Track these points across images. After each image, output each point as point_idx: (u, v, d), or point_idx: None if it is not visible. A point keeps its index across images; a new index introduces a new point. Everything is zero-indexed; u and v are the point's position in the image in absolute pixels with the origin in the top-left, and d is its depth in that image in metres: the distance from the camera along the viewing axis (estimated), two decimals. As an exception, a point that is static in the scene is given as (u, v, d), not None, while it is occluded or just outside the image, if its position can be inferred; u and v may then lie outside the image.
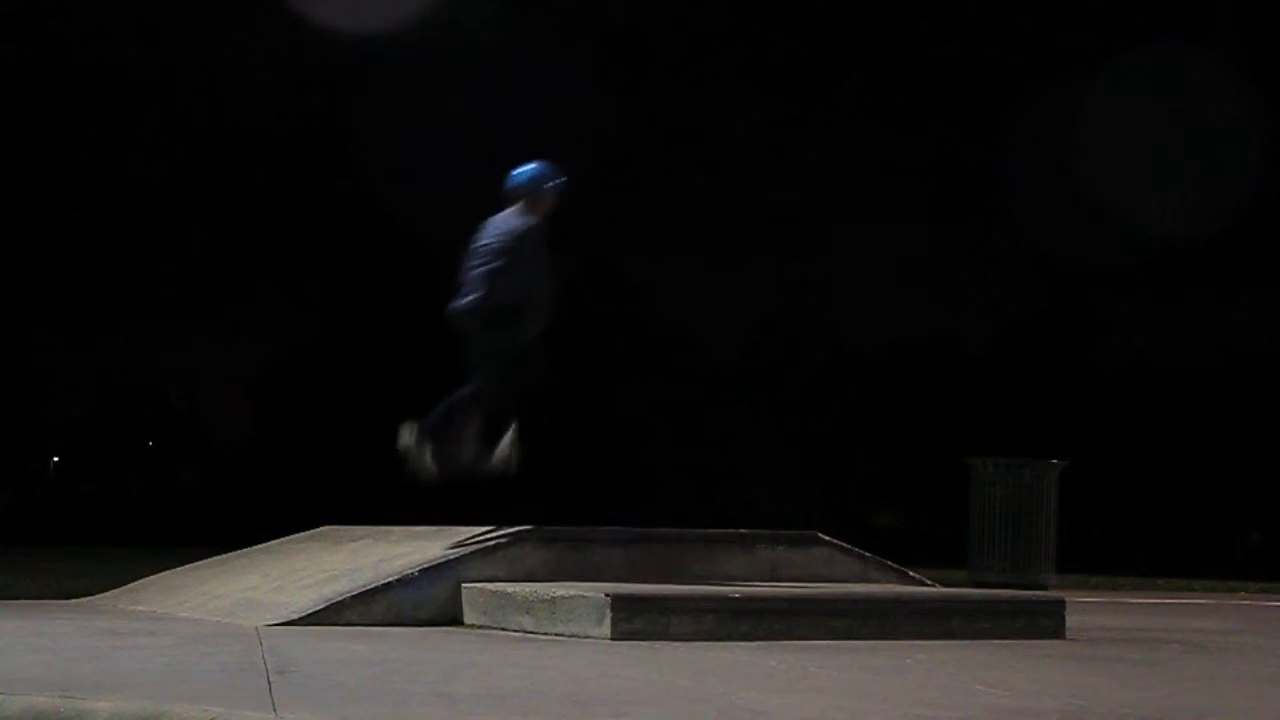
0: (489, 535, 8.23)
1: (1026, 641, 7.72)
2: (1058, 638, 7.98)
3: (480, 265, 8.30)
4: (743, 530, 9.14)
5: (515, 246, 8.29)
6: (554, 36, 47.00)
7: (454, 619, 7.72)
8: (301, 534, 10.21)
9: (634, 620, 6.99)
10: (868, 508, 49.78)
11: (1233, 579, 21.35)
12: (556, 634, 7.10)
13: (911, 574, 9.48)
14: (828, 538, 9.26)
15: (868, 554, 9.36)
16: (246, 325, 50.73)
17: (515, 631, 7.32)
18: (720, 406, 47.20)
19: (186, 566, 10.07)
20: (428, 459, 8.21)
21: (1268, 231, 48.20)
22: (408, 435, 8.24)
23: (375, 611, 7.51)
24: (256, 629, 7.06)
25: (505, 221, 8.41)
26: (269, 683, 4.95)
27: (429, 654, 6.12)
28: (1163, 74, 44.76)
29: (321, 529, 10.30)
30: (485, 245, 8.35)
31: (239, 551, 10.09)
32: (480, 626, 7.57)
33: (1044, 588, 14.95)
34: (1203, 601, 14.27)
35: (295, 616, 7.36)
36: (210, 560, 10.11)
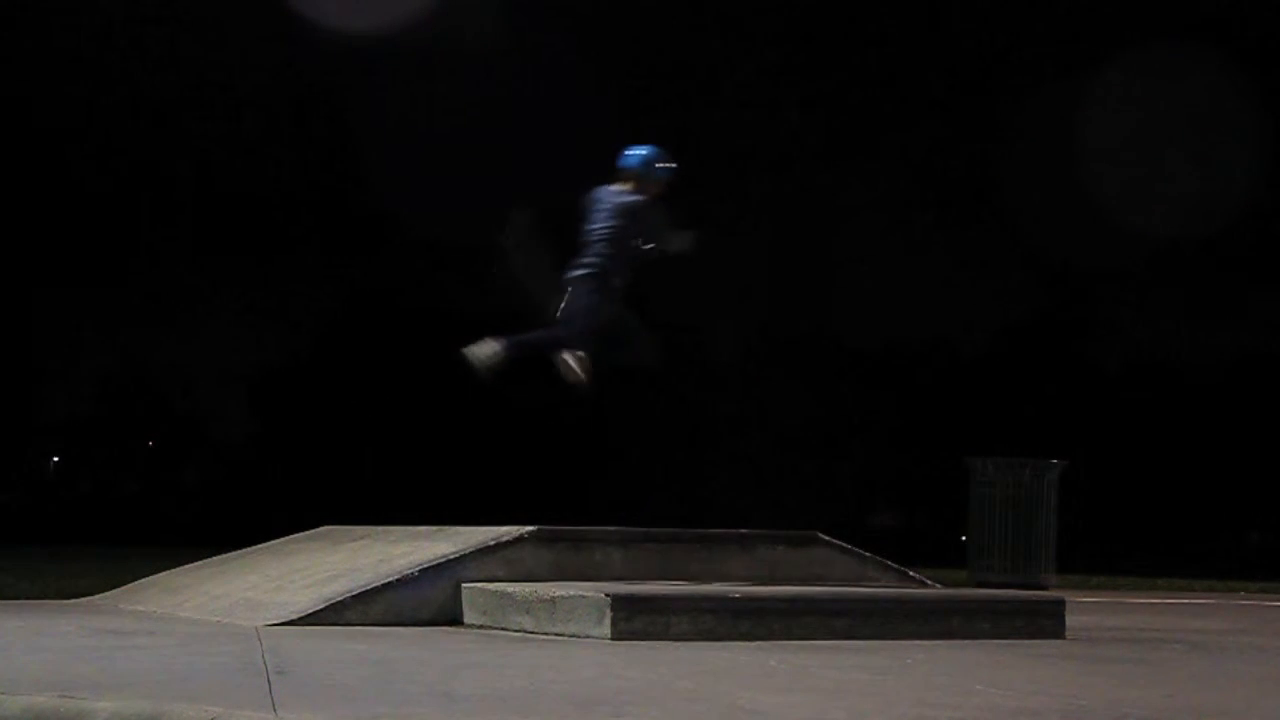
0: (490, 535, 8.24)
1: (1026, 641, 7.72)
2: (1058, 638, 7.98)
3: (595, 242, 8.89)
4: (742, 530, 9.14)
5: (626, 225, 8.87)
6: (553, 36, 47.02)
7: (454, 619, 7.72)
8: (301, 534, 10.21)
9: (634, 620, 6.99)
10: (868, 508, 49.78)
11: (1233, 579, 21.34)
12: (556, 634, 7.11)
13: (911, 574, 9.49)
14: (827, 538, 9.26)
15: (867, 554, 9.36)
16: (246, 325, 50.74)
17: (515, 631, 7.32)
18: (719, 406, 47.20)
19: (186, 566, 10.07)
20: (491, 369, 8.88)
21: (1268, 231, 48.20)
22: (487, 349, 8.86)
23: (375, 611, 7.52)
24: (256, 629, 7.06)
25: (616, 197, 8.96)
26: (269, 683, 4.95)
27: (429, 654, 6.13)
28: (1163, 74, 44.76)
29: (321, 529, 10.30)
30: (599, 224, 8.90)
31: (239, 551, 10.09)
32: (480, 626, 7.58)
33: (1044, 588, 14.95)
34: (1203, 601, 14.27)
35: (295, 616, 7.36)
36: (210, 560, 10.11)
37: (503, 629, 7.43)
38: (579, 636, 6.99)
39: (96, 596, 9.61)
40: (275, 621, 7.28)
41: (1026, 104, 47.41)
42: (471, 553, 7.98)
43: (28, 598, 9.65)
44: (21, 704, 4.38)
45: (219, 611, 7.90)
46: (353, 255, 50.46)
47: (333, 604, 7.47)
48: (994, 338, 52.33)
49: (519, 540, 8.14)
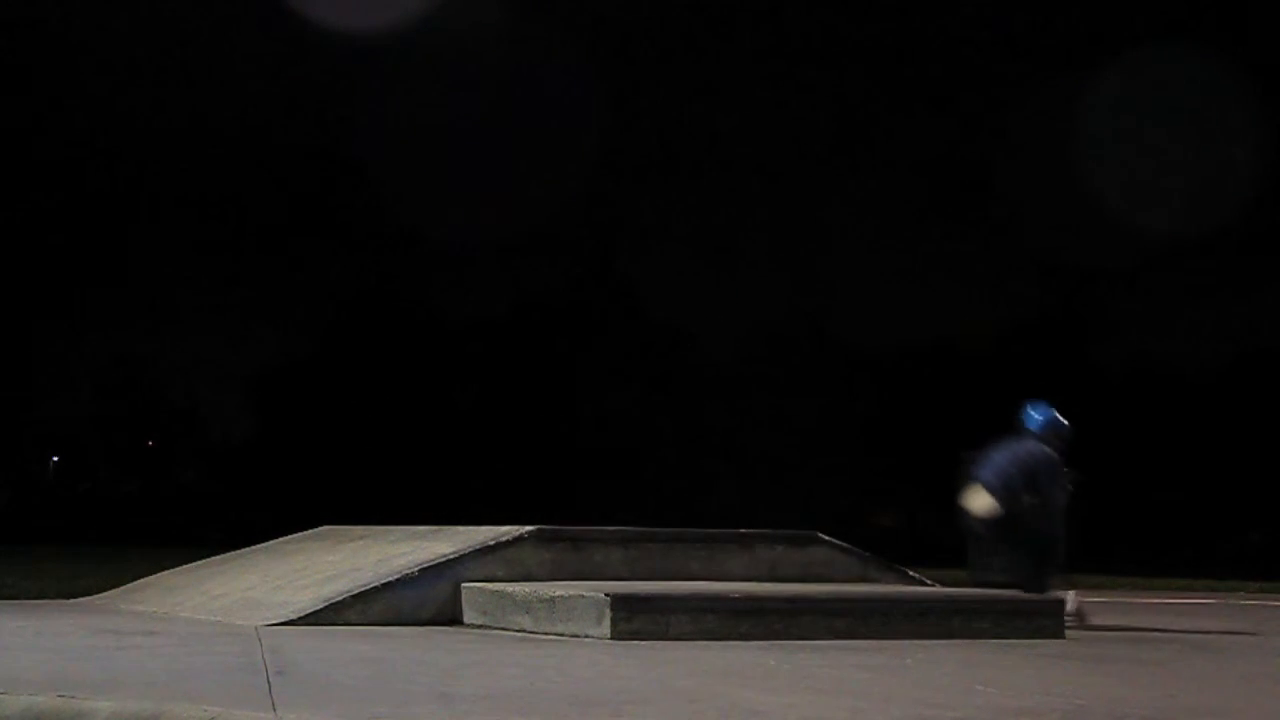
0: (489, 535, 8.24)
1: (1026, 641, 7.72)
2: (1058, 638, 7.98)
3: (1003, 481, 9.84)
4: (742, 530, 9.14)
5: (1032, 471, 9.84)
6: (556, 36, 46.98)
7: (454, 618, 7.72)
8: (301, 534, 10.22)
9: (634, 620, 6.99)
10: (868, 508, 49.72)
11: (1233, 579, 21.33)
12: (556, 634, 7.10)
13: (911, 574, 9.50)
14: (827, 537, 9.26)
15: (867, 554, 9.37)
16: (247, 325, 50.72)
17: (515, 631, 7.32)
18: (720, 406, 47.18)
19: (186, 566, 10.07)
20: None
21: (1268, 230, 48.21)
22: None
23: (375, 611, 7.51)
24: (256, 629, 7.06)
25: (1030, 445, 10.05)
26: (269, 682, 4.95)
27: (429, 654, 6.12)
28: (1163, 74, 44.76)
29: (321, 529, 10.30)
30: (1007, 465, 9.90)
31: (239, 551, 10.09)
32: (480, 626, 7.57)
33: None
34: (1203, 601, 14.27)
35: (295, 616, 7.36)
36: (210, 560, 10.11)
37: (502, 629, 7.43)
38: (579, 636, 6.99)
39: (96, 596, 9.61)
40: (275, 621, 7.28)
41: (1026, 103, 47.44)
42: (471, 552, 7.98)
43: (28, 598, 9.65)
44: (21, 704, 4.38)
45: (218, 611, 7.90)
46: (353, 255, 50.46)
47: (333, 604, 7.47)
48: (994, 338, 52.31)
49: (519, 540, 8.14)
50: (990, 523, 9.92)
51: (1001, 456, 10.03)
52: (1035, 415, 10.38)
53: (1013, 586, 9.70)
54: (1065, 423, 10.36)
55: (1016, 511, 9.84)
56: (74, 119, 48.44)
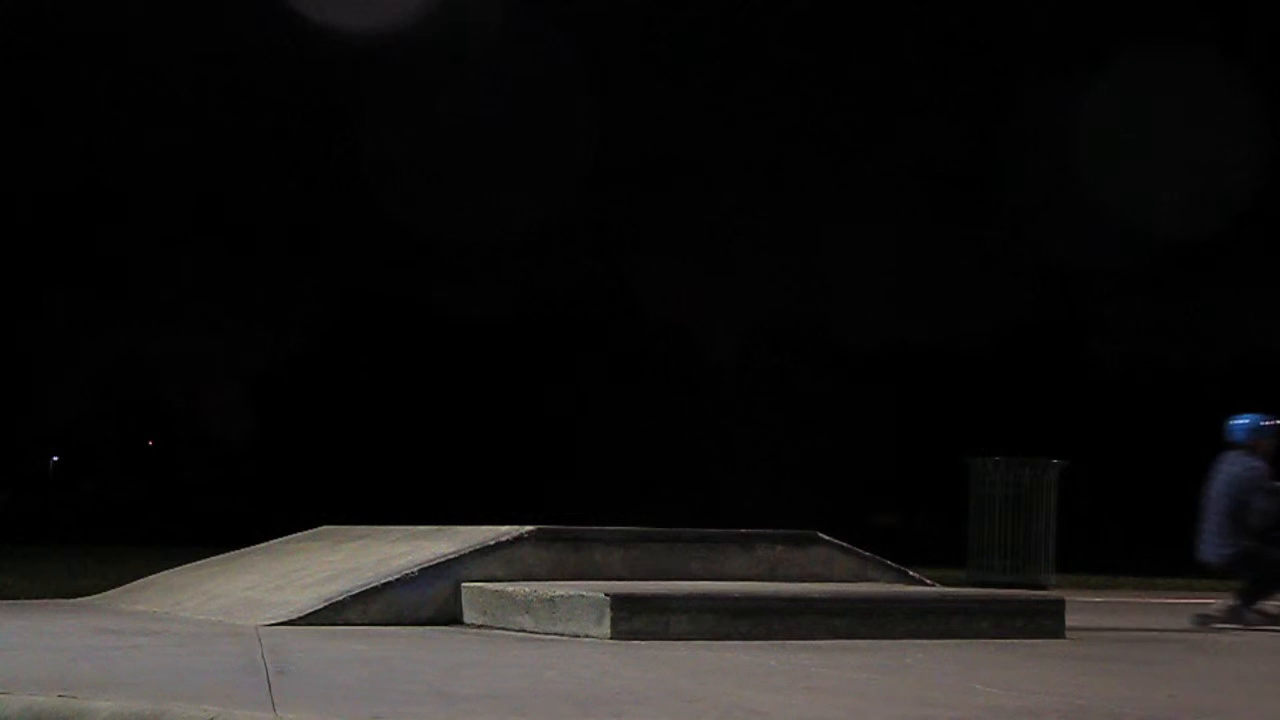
0: (489, 535, 8.24)
1: (1026, 641, 7.72)
2: (1058, 638, 7.98)
3: (1221, 517, 10.15)
4: (742, 530, 9.14)
5: (1248, 488, 10.06)
6: (555, 36, 47.01)
7: (454, 618, 7.72)
8: (301, 534, 10.21)
9: (634, 620, 7.00)
10: (868, 508, 49.73)
11: (1233, 579, 21.28)
12: (556, 634, 7.11)
13: (911, 574, 9.50)
14: (827, 537, 9.26)
15: (867, 553, 9.37)
16: (247, 325, 50.72)
17: (515, 631, 7.32)
18: (720, 407, 47.19)
19: (186, 566, 10.07)
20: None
21: (1268, 231, 48.22)
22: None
23: (375, 611, 7.52)
24: (256, 628, 7.06)
25: (1234, 466, 10.24)
26: (269, 682, 4.95)
27: (429, 654, 6.13)
28: (1163, 74, 44.76)
29: (321, 529, 10.30)
30: (1222, 495, 10.13)
31: (239, 551, 10.09)
32: (480, 626, 7.58)
33: (1044, 588, 14.94)
34: (1202, 601, 14.25)
35: (295, 616, 7.36)
36: (210, 560, 10.11)
37: (503, 628, 7.43)
38: (579, 636, 6.99)
39: (96, 596, 9.61)
40: (275, 621, 7.28)
41: (1027, 103, 47.45)
42: (471, 552, 7.98)
43: (28, 598, 9.64)
44: (21, 704, 4.38)
45: (218, 611, 7.90)
46: (352, 255, 50.47)
47: (332, 604, 7.47)
48: (994, 338, 52.30)
49: (519, 540, 8.14)
50: (1230, 565, 10.21)
51: (1215, 490, 10.21)
52: (1237, 424, 10.44)
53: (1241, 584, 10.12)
54: (1269, 423, 10.44)
55: (1247, 545, 10.06)
56: (73, 118, 48.45)
